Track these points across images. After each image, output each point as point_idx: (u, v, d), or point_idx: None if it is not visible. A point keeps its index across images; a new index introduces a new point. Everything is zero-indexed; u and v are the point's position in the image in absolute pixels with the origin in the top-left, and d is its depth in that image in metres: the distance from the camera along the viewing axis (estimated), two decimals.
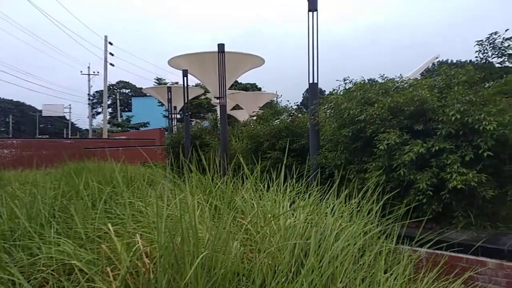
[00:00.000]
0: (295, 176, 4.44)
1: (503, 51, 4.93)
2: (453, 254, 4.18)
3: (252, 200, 3.49)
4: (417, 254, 3.96)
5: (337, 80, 6.36)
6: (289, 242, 2.46)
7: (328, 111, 6.29)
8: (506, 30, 4.75)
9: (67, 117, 60.47)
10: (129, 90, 69.40)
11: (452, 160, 4.48)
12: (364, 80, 6.17)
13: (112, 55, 34.77)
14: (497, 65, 5.13)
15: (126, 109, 59.99)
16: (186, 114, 11.81)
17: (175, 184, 3.85)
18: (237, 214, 3.26)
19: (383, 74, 6.04)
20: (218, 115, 12.19)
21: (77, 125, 72.65)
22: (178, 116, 22.45)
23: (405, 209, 4.68)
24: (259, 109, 14.02)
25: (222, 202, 3.38)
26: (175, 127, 16.88)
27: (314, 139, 6.22)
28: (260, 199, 3.73)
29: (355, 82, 6.28)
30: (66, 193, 3.94)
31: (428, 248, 4.26)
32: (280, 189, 3.90)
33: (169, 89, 16.30)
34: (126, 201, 3.20)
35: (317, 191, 4.17)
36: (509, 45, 4.85)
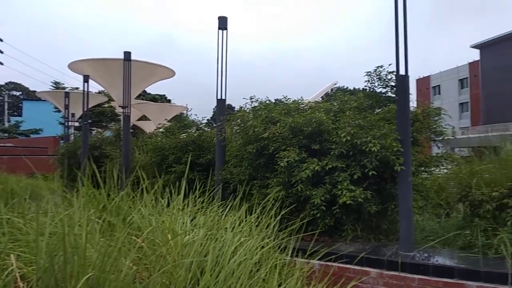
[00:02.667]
0: (199, 191, 4.40)
1: (387, 83, 5.62)
2: (341, 265, 4.53)
3: (150, 216, 3.35)
4: (309, 266, 4.19)
5: (243, 98, 6.55)
6: (186, 260, 2.42)
7: (235, 127, 6.41)
8: (390, 65, 5.42)
9: None
10: (20, 93, 62.21)
11: (343, 177, 4.90)
12: (269, 99, 6.46)
13: (2, 52, 30.92)
14: (383, 94, 5.82)
15: (15, 114, 53.59)
16: (85, 122, 10.97)
17: (65, 198, 3.52)
18: (133, 231, 3.11)
19: (286, 96, 6.40)
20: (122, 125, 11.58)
21: None
22: (77, 124, 20.74)
23: (301, 223, 4.96)
24: (167, 121, 13.69)
25: (117, 218, 3.17)
26: (72, 135, 15.56)
27: (220, 154, 6.28)
28: (160, 215, 3.60)
29: (261, 101, 6.54)
30: None
31: (321, 260, 4.56)
32: (182, 204, 3.83)
33: (67, 94, 15.04)
34: (3, 217, 2.83)
35: (220, 206, 4.19)
36: (391, 78, 5.55)
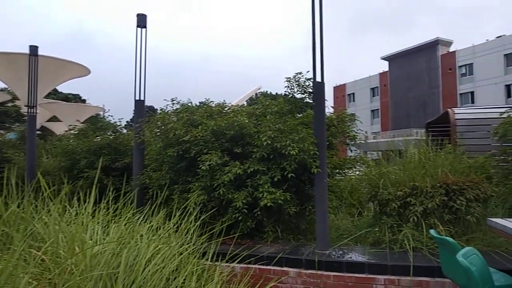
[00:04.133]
0: (113, 197, 4.13)
1: (305, 89, 5.86)
2: (261, 266, 4.59)
3: (56, 225, 3.05)
4: (230, 270, 4.17)
5: (164, 100, 6.34)
6: (95, 272, 2.23)
7: (155, 130, 6.17)
8: (307, 72, 5.66)
9: None
10: None
11: (264, 180, 4.97)
12: (191, 102, 6.34)
13: None
14: (301, 100, 6.06)
15: None
16: None
17: None
18: (36, 242, 2.80)
19: (209, 98, 6.34)
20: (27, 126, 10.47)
21: None
22: None
23: (224, 227, 4.93)
24: (81, 123, 12.73)
25: (15, 229, 2.84)
26: None
27: (138, 158, 5.99)
28: (68, 224, 3.30)
29: (182, 103, 6.39)
30: None
31: (241, 262, 4.57)
32: (93, 212, 3.55)
33: None
34: None
35: (136, 212, 3.98)
36: (309, 84, 5.80)
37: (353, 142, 6.56)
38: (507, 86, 40.69)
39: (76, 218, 3.42)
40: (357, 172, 6.80)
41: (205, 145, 5.24)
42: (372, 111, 57.93)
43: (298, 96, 6.10)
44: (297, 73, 5.85)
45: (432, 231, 3.51)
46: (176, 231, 3.62)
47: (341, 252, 4.74)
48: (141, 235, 3.05)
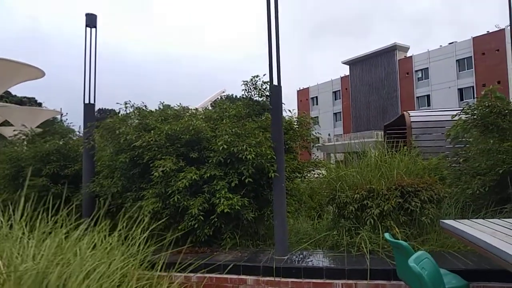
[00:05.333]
0: (58, 206, 3.84)
1: (262, 92, 5.78)
2: (219, 275, 4.42)
3: None
4: (182, 280, 3.99)
5: (117, 103, 6.05)
6: None
7: (106, 135, 5.87)
8: (264, 75, 5.58)
9: None
10: None
11: (221, 186, 4.82)
12: (145, 105, 6.08)
13: None
14: (259, 103, 5.96)
15: None
16: None
17: None
18: None
19: (163, 102, 6.10)
20: None
21: None
22: None
23: (179, 235, 4.73)
24: (36, 127, 12.02)
25: None
26: None
27: (89, 165, 5.67)
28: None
29: (137, 107, 6.11)
30: None
31: (198, 272, 4.39)
32: (30, 224, 3.26)
33: None
34: None
35: (82, 223, 3.71)
36: (266, 87, 5.72)
37: (313, 145, 6.55)
38: (460, 90, 42.92)
39: (10, 232, 3.12)
40: (315, 175, 6.80)
41: (159, 150, 5.03)
42: (335, 114, 59.29)
43: (256, 99, 6.00)
44: (254, 76, 5.76)
45: (387, 235, 3.51)
46: (123, 243, 3.39)
47: (300, 257, 4.67)
48: (80, 249, 2.81)
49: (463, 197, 5.52)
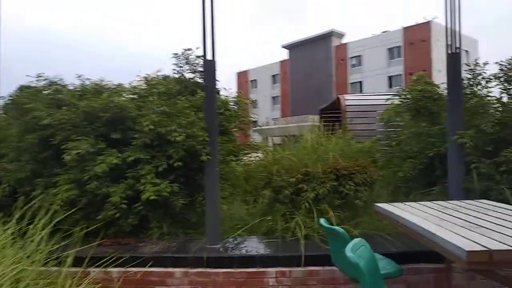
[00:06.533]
0: None
1: (195, 68, 5.32)
2: (143, 269, 4.00)
3: None
4: (102, 275, 3.55)
5: (27, 76, 5.23)
6: None
7: (13, 111, 5.07)
8: (197, 48, 5.12)
9: None
10: None
11: (147, 170, 4.37)
12: (61, 78, 5.32)
13: None
14: (191, 80, 5.51)
15: None
16: None
17: None
18: None
19: (81, 75, 5.36)
20: None
21: None
22: None
23: (98, 226, 4.24)
24: None
25: None
26: None
27: None
28: None
29: (51, 80, 5.34)
30: None
31: (121, 266, 3.96)
32: None
33: None
34: None
35: None
36: (199, 62, 5.27)
37: (251, 128, 6.27)
38: (389, 77, 45.44)
39: None
40: (252, 158, 6.56)
41: (74, 130, 4.40)
42: (273, 97, 59.91)
43: (188, 75, 5.53)
44: (186, 49, 5.27)
45: (322, 220, 3.34)
46: (24, 235, 2.86)
47: (232, 245, 4.41)
48: None
49: (394, 179, 5.62)
